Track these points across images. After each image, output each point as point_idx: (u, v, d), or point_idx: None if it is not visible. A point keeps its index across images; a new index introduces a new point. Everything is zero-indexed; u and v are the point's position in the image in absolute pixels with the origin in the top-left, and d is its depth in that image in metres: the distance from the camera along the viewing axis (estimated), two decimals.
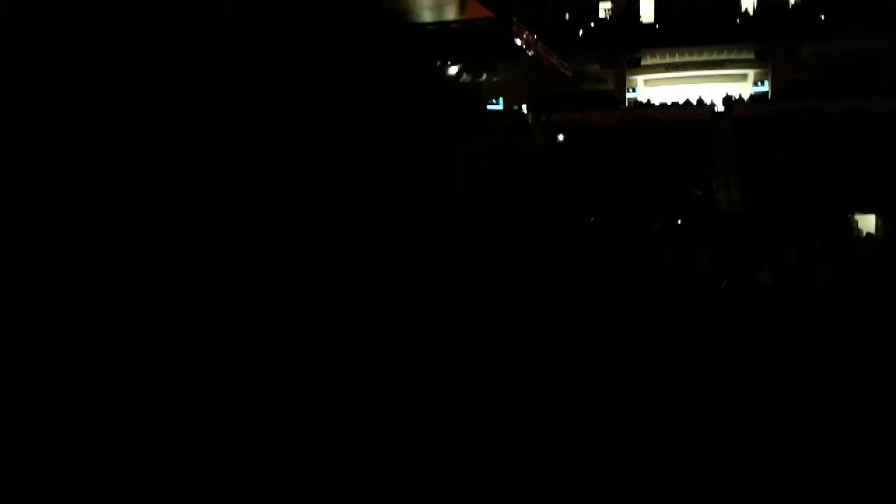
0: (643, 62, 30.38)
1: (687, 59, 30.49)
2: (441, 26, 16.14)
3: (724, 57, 30.23)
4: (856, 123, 22.18)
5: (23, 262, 2.86)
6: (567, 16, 31.09)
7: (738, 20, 28.46)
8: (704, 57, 30.30)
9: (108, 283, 2.98)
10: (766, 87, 29.98)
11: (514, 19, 21.66)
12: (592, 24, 30.63)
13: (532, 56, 24.67)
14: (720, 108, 27.38)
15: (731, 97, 28.90)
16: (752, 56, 29.23)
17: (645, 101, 31.53)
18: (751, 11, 28.93)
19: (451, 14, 16.14)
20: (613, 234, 19.58)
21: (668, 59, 30.65)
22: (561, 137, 25.91)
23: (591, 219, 20.69)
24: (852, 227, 17.91)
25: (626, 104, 30.31)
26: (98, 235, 2.98)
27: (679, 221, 19.42)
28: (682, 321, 8.66)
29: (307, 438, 3.43)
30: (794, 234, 16.75)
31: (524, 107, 31.63)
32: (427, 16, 15.53)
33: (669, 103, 29.67)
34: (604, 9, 31.64)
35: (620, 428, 4.47)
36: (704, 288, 13.50)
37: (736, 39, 28.53)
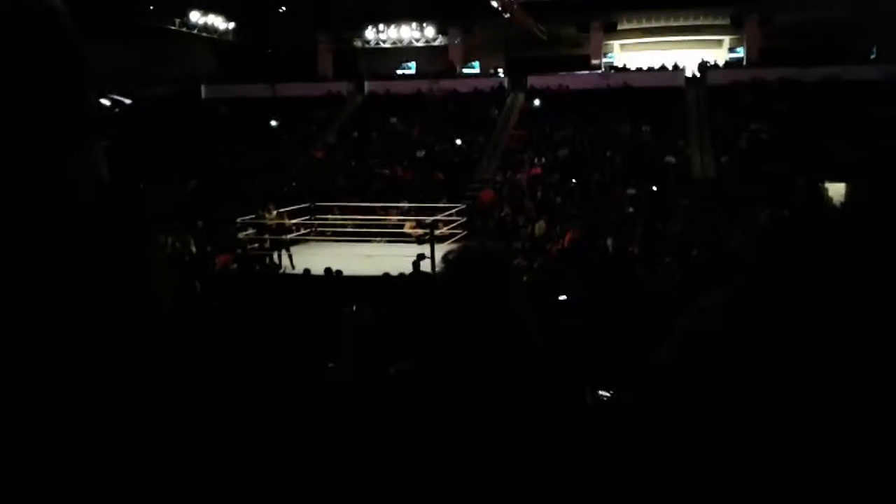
0: (619, 26, 30.24)
1: (663, 23, 30.40)
2: None
3: (699, 22, 30.20)
4: (828, 91, 22.38)
5: None
6: None
7: None
8: (680, 22, 30.24)
9: None
10: (741, 54, 30.06)
11: None
12: None
13: (508, 18, 24.44)
14: (695, 73, 27.42)
15: (705, 63, 28.93)
16: (727, 22, 29.23)
17: (621, 65, 31.46)
18: None
19: None
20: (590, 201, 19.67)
21: (644, 24, 30.54)
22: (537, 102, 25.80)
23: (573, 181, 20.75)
24: (822, 194, 18.16)
25: (602, 69, 30.21)
26: None
27: (654, 188, 19.56)
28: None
29: None
30: (766, 200, 16.96)
31: (500, 70, 31.41)
32: None
33: (645, 68, 29.63)
34: None
35: None
36: (677, 255, 13.65)
37: (711, 4, 28.49)
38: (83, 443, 0.72)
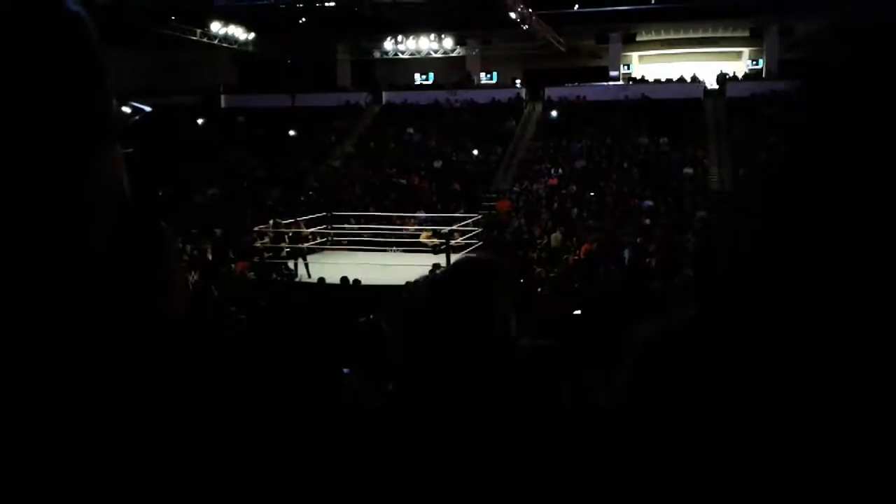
0: (638, 38, 30.19)
1: (682, 35, 30.32)
2: None
3: (718, 34, 30.09)
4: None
5: None
6: None
7: None
8: (700, 34, 30.15)
9: None
10: (760, 66, 29.91)
11: None
12: None
13: (527, 30, 24.49)
14: (714, 85, 27.30)
15: (725, 75, 28.80)
16: (746, 34, 29.10)
17: (639, 77, 31.40)
18: None
19: None
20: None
21: (663, 36, 30.47)
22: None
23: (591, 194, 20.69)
24: None
25: (621, 80, 30.17)
26: None
27: (670, 200, 19.46)
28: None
29: None
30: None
31: (518, 82, 31.46)
32: None
33: (664, 80, 29.56)
34: None
35: None
36: (694, 268, 13.57)
37: (731, 16, 28.38)
38: (88, 445, 0.73)
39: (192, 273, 13.91)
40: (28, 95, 0.69)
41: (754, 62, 30.53)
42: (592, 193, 20.75)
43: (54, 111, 0.71)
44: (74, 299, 0.71)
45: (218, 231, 18.96)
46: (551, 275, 14.20)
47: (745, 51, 30.97)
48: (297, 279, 14.30)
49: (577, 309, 7.91)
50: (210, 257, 16.44)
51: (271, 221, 16.63)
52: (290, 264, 15.55)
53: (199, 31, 26.83)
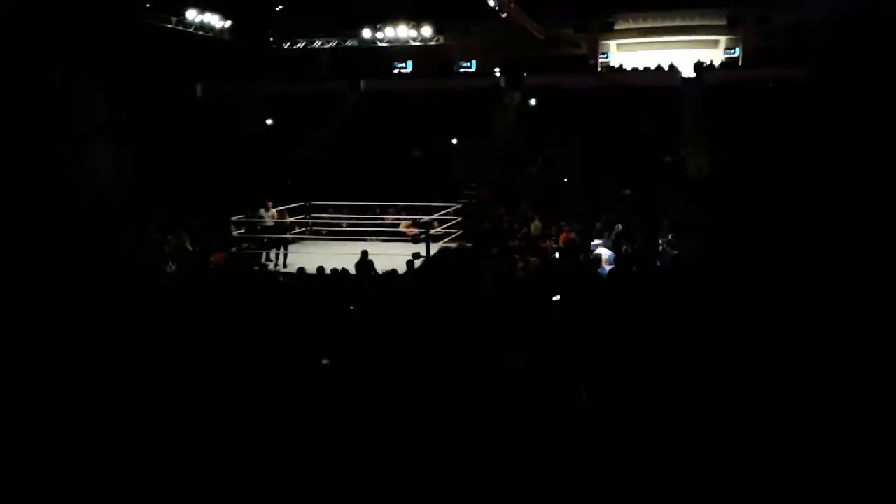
0: (616, 26, 30.27)
1: (660, 23, 30.46)
2: None
3: (696, 23, 30.26)
4: (823, 91, 22.45)
5: None
6: None
7: None
8: (677, 22, 30.30)
9: None
10: (737, 54, 30.12)
11: None
12: None
13: (505, 18, 24.46)
14: (691, 73, 27.46)
15: (702, 63, 28.98)
16: (723, 22, 29.30)
17: (617, 65, 31.51)
18: None
19: None
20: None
21: (641, 24, 30.59)
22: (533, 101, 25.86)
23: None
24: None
25: (599, 69, 30.24)
26: None
27: (648, 188, 19.59)
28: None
29: None
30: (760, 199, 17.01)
31: (497, 70, 31.42)
32: None
33: (641, 68, 29.69)
34: None
35: None
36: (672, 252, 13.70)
37: (708, 5, 28.56)
38: (83, 436, 0.74)
39: (171, 264, 13.80)
40: (10, 89, 0.70)
41: (731, 50, 30.74)
42: (570, 181, 20.82)
43: (37, 105, 0.71)
44: (58, 285, 0.72)
45: (195, 221, 18.79)
46: (531, 262, 14.25)
47: (722, 39, 31.18)
48: (271, 268, 14.24)
49: (555, 295, 7.97)
50: (189, 247, 16.31)
51: (270, 202, 16.41)
52: (272, 254, 15.47)
53: (174, 18, 26.47)
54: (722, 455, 3.56)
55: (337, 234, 18.08)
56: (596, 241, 14.42)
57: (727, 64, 29.93)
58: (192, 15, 27.01)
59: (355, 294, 8.87)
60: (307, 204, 18.46)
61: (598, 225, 17.03)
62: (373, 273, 12.39)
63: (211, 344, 5.34)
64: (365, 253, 13.13)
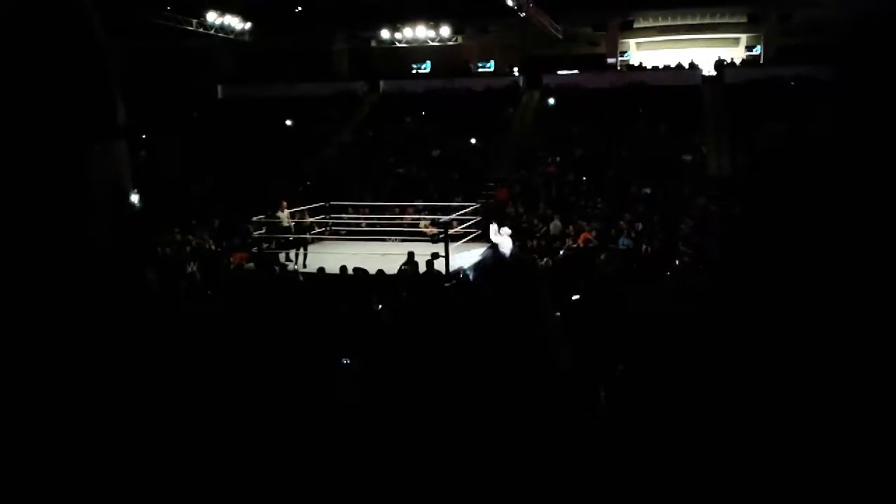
0: (636, 25, 30.08)
1: (679, 21, 30.22)
2: None
3: (716, 20, 29.99)
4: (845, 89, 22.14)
5: None
6: None
7: None
8: (697, 20, 30.05)
9: None
10: (758, 52, 29.81)
11: None
12: None
13: (524, 17, 24.39)
14: (712, 72, 27.23)
15: (722, 61, 28.74)
16: (744, 20, 29.00)
17: (637, 64, 31.32)
18: None
19: None
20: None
21: (660, 22, 30.37)
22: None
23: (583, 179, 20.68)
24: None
25: (619, 67, 30.08)
26: None
27: (669, 187, 19.47)
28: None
29: None
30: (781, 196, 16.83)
31: (515, 70, 31.37)
32: None
33: (661, 67, 29.49)
34: None
35: None
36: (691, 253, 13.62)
37: (728, 2, 28.29)
38: (86, 435, 0.76)
39: (192, 264, 13.91)
40: (31, 88, 0.72)
41: (752, 48, 30.45)
42: (590, 181, 20.74)
43: (59, 104, 0.74)
44: (72, 285, 0.74)
45: (216, 222, 18.98)
46: (550, 262, 14.24)
47: (743, 37, 30.88)
48: (290, 268, 14.33)
49: (575, 294, 7.96)
50: (210, 247, 16.45)
51: (284, 203, 16.50)
52: (291, 254, 15.56)
53: (195, 20, 26.71)
54: (740, 458, 3.55)
55: (356, 234, 18.15)
56: (504, 230, 14.92)
57: (748, 62, 29.64)
58: (212, 17, 27.23)
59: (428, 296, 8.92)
60: (327, 204, 18.55)
61: (622, 224, 16.97)
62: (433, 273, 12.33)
63: (232, 343, 5.39)
64: (411, 254, 13.16)
